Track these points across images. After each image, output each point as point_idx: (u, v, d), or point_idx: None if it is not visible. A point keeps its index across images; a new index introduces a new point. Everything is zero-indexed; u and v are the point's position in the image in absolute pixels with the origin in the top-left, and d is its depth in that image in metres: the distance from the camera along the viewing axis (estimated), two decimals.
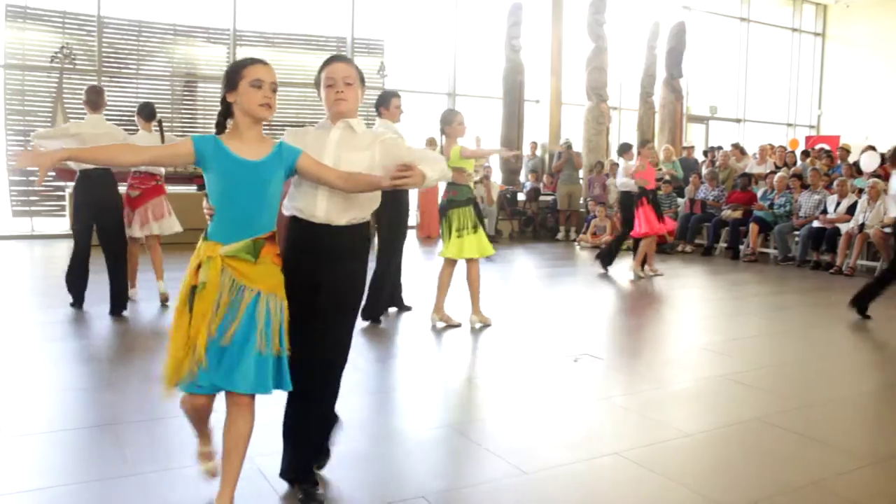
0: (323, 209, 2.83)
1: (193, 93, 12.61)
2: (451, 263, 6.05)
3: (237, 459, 2.66)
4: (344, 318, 2.90)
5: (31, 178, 11.26)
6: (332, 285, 2.84)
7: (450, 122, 6.00)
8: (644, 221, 8.95)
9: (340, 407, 3.98)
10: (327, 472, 3.13)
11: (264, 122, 2.71)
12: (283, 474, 3.00)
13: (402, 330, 5.96)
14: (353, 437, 3.55)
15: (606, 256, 9.39)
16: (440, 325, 6.00)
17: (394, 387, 4.56)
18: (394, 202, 5.85)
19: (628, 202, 9.07)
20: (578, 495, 3.02)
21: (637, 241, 9.26)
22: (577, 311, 7.11)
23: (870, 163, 11.34)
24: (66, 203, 10.84)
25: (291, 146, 2.72)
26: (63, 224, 11.33)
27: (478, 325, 6.04)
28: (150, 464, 3.16)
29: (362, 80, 2.94)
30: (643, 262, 9.16)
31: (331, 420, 3.07)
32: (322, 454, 3.10)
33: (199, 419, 2.88)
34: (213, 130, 2.74)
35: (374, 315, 6.05)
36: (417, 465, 3.34)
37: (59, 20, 11.36)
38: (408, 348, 5.53)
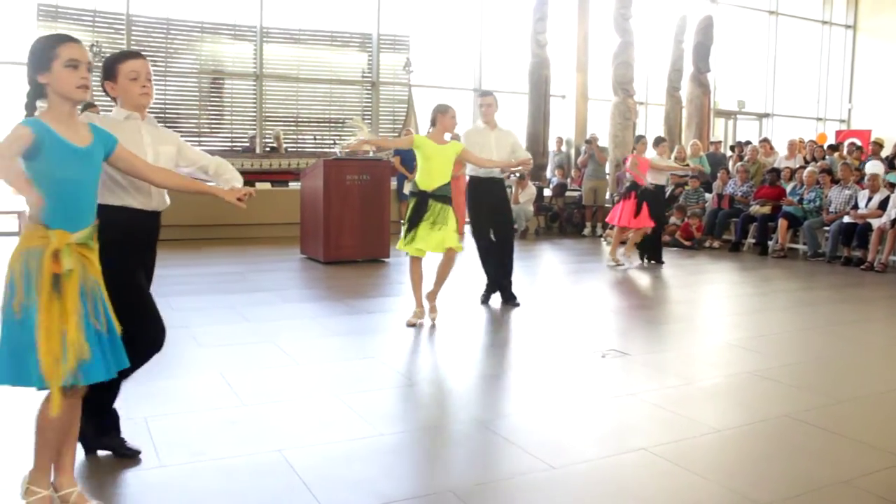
0: (157, 197, 3.09)
1: (220, 90, 12.70)
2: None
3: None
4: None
5: None
6: (152, 267, 3.23)
7: (444, 112, 5.89)
8: (616, 212, 9.62)
9: (370, 402, 4.03)
10: (353, 464, 3.15)
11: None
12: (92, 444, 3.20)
13: (429, 325, 5.98)
14: (381, 430, 3.57)
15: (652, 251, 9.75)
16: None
17: (421, 381, 4.58)
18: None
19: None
20: (606, 490, 3.02)
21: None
22: (603, 307, 7.09)
23: (875, 170, 11.13)
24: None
25: (106, 131, 2.73)
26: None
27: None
28: (182, 456, 3.20)
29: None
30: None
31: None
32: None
33: (72, 424, 2.69)
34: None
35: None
36: (445, 460, 3.35)
37: (90, 19, 11.50)
38: (434, 343, 5.55)
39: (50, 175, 2.47)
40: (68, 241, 2.49)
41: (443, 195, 5.82)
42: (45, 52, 2.52)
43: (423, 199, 5.80)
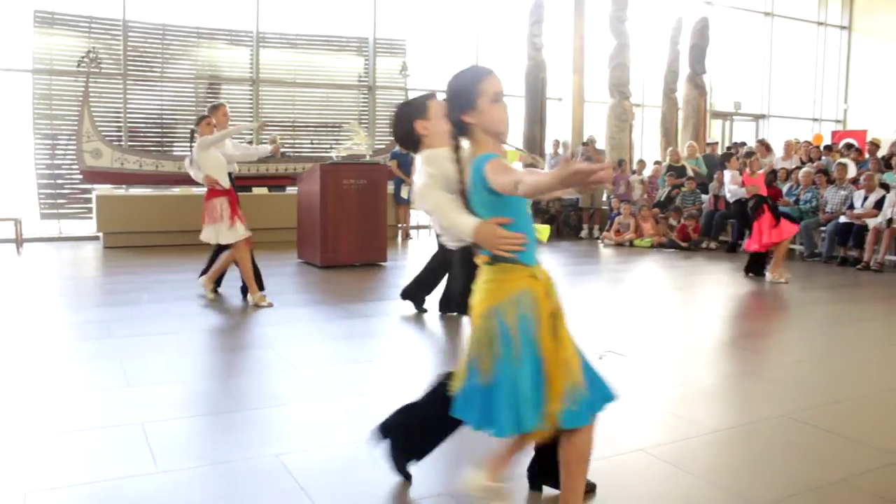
0: None
1: (217, 95, 12.71)
2: None
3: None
4: None
5: (59, 182, 11.42)
6: None
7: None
8: (757, 236, 8.63)
9: (368, 406, 4.02)
10: (351, 469, 3.15)
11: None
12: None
13: (430, 328, 5.97)
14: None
15: (754, 266, 8.96)
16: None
17: (418, 385, 4.57)
18: None
19: (742, 211, 9.31)
20: (604, 492, 3.02)
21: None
22: (600, 309, 7.09)
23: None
24: (93, 205, 10.96)
25: None
26: (90, 226, 11.44)
27: None
28: (179, 461, 3.20)
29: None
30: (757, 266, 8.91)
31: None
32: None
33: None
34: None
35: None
36: (442, 463, 3.34)
37: (86, 25, 11.51)
38: (431, 346, 5.55)
39: (521, 208, 2.43)
40: (549, 276, 2.44)
41: None
42: (469, 91, 2.42)
43: None
